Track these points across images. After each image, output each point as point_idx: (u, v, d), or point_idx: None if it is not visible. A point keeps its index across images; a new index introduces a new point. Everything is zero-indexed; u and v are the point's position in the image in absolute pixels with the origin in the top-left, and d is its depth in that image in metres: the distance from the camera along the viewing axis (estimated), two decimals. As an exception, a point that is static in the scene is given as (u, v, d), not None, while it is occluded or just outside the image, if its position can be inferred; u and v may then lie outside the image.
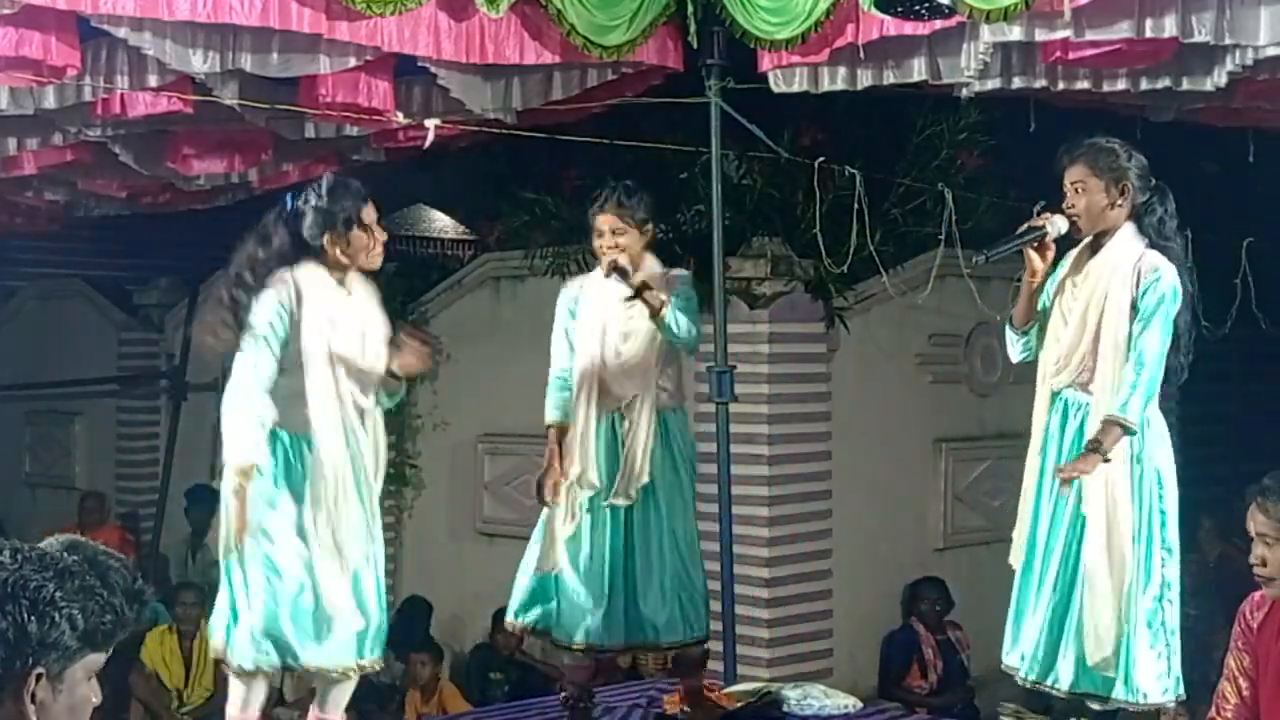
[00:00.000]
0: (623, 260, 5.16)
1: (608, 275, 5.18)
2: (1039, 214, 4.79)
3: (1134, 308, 4.55)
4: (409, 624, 9.05)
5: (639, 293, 5.09)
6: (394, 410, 5.12)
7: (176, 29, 5.64)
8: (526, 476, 9.19)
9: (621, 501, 5.23)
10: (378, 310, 4.88)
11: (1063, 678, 4.63)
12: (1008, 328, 4.84)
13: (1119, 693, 4.57)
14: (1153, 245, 4.64)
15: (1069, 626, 4.61)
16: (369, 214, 4.78)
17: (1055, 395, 4.70)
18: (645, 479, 5.22)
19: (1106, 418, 4.47)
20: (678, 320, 5.10)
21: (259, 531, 4.67)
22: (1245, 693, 3.96)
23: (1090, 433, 4.54)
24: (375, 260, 4.82)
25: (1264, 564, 3.76)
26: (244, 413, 4.62)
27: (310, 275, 4.77)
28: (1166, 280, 4.54)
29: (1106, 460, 4.44)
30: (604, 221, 5.23)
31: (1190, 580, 8.26)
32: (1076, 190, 4.63)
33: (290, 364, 4.71)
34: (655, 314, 5.11)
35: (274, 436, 4.70)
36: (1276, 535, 3.70)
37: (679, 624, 5.30)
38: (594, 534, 5.27)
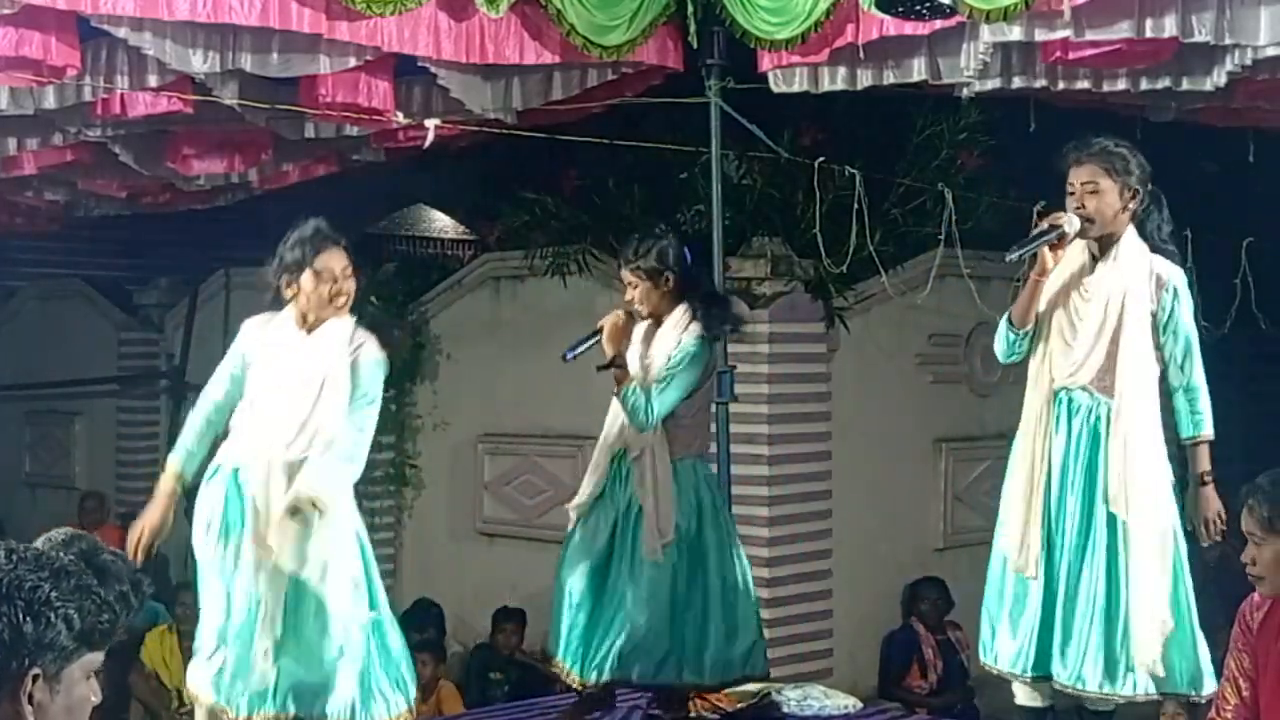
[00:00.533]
0: (605, 322, 5.14)
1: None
2: (1039, 214, 4.80)
3: (1157, 321, 4.63)
4: (419, 627, 9.03)
5: (612, 363, 5.08)
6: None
7: (176, 29, 5.63)
8: (527, 476, 9.25)
9: (652, 558, 5.17)
10: (336, 362, 4.73)
11: (1124, 684, 4.64)
12: (1004, 325, 4.84)
13: (1206, 687, 4.60)
14: (1154, 250, 4.68)
15: (1120, 632, 4.62)
16: (328, 260, 4.71)
17: (1057, 394, 4.71)
18: (667, 537, 5.13)
19: (1195, 440, 4.64)
20: (634, 400, 5.03)
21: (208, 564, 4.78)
22: (1245, 693, 3.95)
23: (1117, 436, 4.60)
24: (337, 310, 4.74)
25: (1254, 563, 3.77)
26: (186, 425, 4.90)
27: (270, 319, 4.82)
28: (1184, 295, 4.66)
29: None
30: (624, 275, 5.25)
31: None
32: (1089, 191, 4.63)
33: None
34: (616, 388, 5.10)
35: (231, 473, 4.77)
36: (1264, 534, 3.72)
37: (624, 662, 5.20)
38: (580, 553, 5.29)
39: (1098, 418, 4.65)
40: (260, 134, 7.39)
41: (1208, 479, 4.64)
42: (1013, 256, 4.75)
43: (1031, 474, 4.77)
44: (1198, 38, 5.45)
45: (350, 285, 4.77)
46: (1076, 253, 4.74)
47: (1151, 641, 4.56)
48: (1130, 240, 4.68)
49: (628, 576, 5.18)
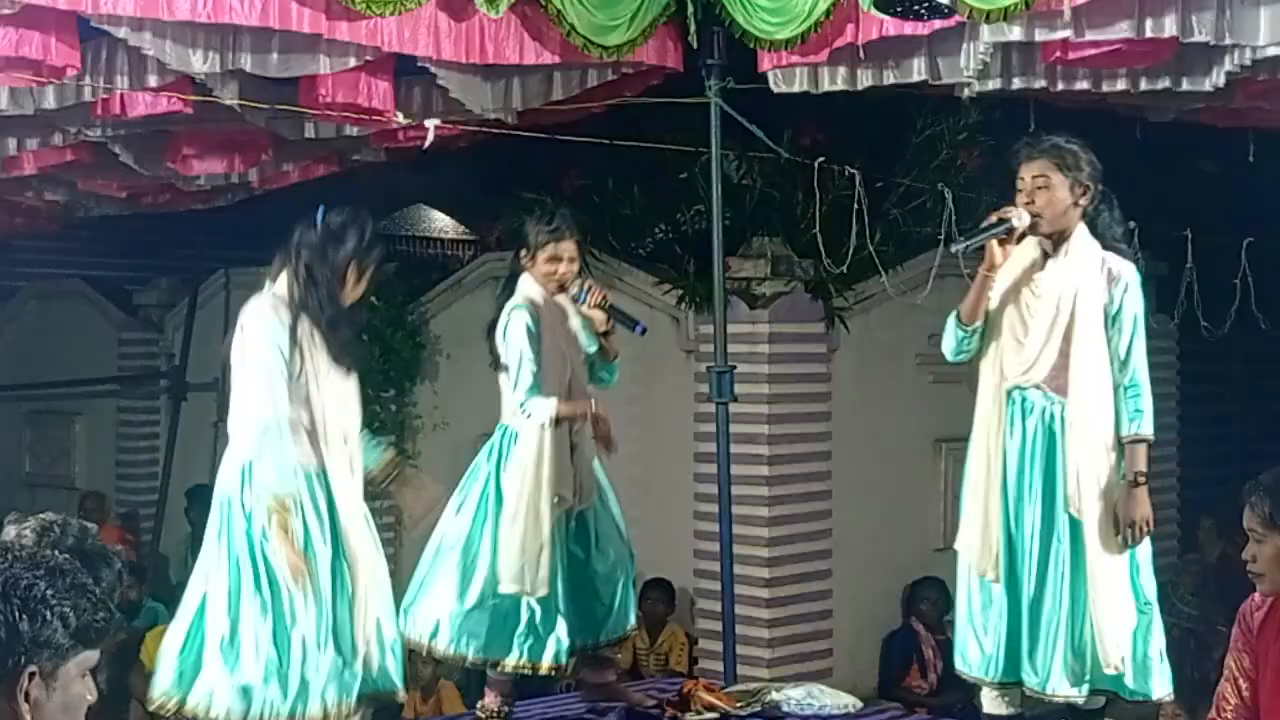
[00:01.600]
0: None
1: (592, 305, 5.40)
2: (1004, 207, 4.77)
3: (1107, 315, 4.59)
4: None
5: (609, 332, 5.39)
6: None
7: (176, 29, 5.63)
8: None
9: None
10: None
11: (1090, 686, 4.62)
12: (953, 321, 4.79)
13: (1154, 690, 4.61)
14: (1106, 248, 4.66)
15: (1084, 635, 4.60)
16: None
17: (1010, 394, 4.68)
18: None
19: (1133, 438, 4.54)
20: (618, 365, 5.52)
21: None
22: (1245, 693, 3.94)
23: (1073, 437, 4.57)
24: None
25: (1254, 560, 3.77)
26: None
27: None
28: (1135, 289, 4.62)
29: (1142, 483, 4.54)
30: (567, 249, 5.31)
31: (1190, 580, 8.26)
32: (1038, 186, 4.62)
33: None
34: (610, 352, 5.46)
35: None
36: (1264, 532, 3.71)
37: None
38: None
39: (1052, 417, 4.61)
40: (260, 134, 7.39)
41: (1141, 480, 4.53)
42: (957, 249, 4.74)
43: (987, 475, 4.72)
44: (1197, 38, 5.45)
45: None
46: (1028, 250, 4.70)
47: (1118, 643, 4.53)
48: (1081, 237, 4.65)
49: (606, 531, 5.61)
